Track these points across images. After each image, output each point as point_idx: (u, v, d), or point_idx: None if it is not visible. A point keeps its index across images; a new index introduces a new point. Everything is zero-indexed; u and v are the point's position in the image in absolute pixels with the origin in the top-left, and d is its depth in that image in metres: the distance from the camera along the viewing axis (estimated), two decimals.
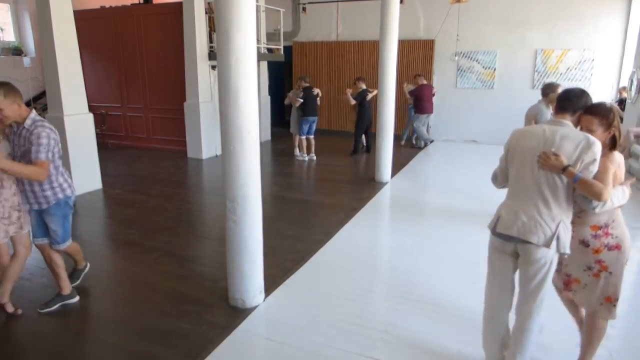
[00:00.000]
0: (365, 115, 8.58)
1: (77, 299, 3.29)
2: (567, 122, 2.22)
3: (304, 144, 8.41)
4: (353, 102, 8.53)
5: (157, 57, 8.70)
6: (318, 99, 8.33)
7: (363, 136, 8.98)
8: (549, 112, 4.43)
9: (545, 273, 2.21)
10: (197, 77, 8.06)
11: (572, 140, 2.14)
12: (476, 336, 2.59)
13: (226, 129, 2.98)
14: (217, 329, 2.99)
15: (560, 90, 3.80)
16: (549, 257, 2.18)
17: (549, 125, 2.26)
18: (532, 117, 4.54)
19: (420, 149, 9.56)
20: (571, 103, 2.24)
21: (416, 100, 9.21)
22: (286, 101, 8.47)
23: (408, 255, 4.22)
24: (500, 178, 2.46)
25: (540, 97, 4.70)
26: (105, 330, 3.06)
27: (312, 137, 8.42)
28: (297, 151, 8.52)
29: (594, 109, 2.23)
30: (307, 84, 8.15)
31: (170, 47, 8.41)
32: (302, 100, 8.01)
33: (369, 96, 8.45)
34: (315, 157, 8.42)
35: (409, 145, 9.74)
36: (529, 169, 2.22)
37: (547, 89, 4.62)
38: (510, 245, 2.28)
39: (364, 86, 8.59)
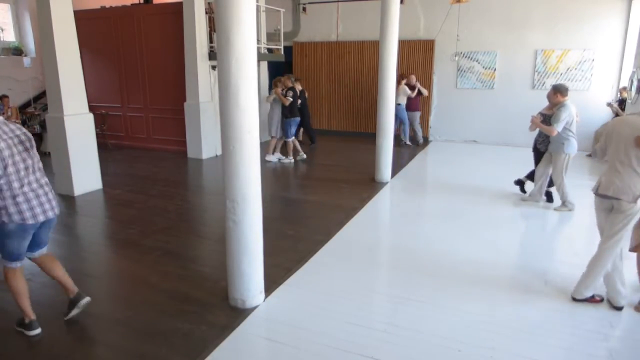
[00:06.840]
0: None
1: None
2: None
3: (290, 146, 8.10)
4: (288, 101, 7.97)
5: (157, 57, 8.70)
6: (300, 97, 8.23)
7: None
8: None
9: (628, 221, 3.10)
10: (197, 77, 8.06)
11: None
12: (476, 336, 2.58)
13: (226, 129, 2.99)
14: (217, 329, 2.99)
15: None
16: (634, 210, 3.05)
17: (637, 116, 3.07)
18: None
19: (408, 146, 9.73)
20: None
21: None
22: (269, 99, 8.07)
23: (408, 255, 4.22)
24: (600, 154, 3.32)
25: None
26: (105, 330, 3.06)
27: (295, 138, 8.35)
28: (269, 157, 8.11)
29: None
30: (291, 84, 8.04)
31: (170, 47, 8.41)
32: (291, 99, 7.84)
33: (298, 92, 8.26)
34: (305, 156, 8.29)
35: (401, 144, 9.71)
36: (622, 147, 3.03)
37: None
38: (605, 202, 3.17)
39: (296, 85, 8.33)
